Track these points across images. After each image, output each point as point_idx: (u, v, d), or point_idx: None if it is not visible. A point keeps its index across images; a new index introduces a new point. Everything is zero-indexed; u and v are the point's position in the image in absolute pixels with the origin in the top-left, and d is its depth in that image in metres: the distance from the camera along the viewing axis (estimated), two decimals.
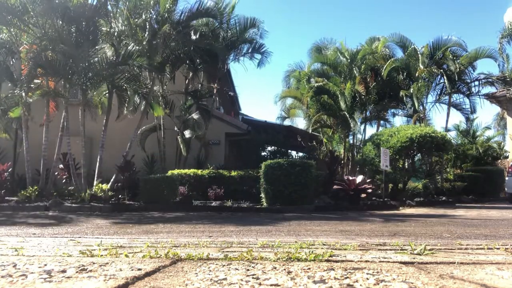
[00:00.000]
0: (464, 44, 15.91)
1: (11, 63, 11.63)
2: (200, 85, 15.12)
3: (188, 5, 14.54)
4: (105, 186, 10.30)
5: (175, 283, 1.45)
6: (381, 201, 11.22)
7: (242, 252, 2.33)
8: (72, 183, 10.92)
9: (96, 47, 10.64)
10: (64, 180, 11.63)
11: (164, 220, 7.26)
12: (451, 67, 15.11)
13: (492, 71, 17.51)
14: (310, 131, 16.26)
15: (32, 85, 11.22)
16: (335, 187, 11.12)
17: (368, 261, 2.00)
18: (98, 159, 11.06)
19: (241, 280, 1.50)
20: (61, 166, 11.68)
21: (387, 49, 17.06)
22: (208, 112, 13.93)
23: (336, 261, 1.97)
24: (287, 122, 19.39)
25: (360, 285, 1.42)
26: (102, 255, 2.21)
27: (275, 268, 1.75)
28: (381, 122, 17.98)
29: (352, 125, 14.57)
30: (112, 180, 11.03)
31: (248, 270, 1.71)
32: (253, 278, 1.54)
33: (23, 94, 10.70)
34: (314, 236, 4.44)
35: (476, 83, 16.24)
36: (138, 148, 13.29)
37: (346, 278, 1.53)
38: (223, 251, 2.54)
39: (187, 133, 13.52)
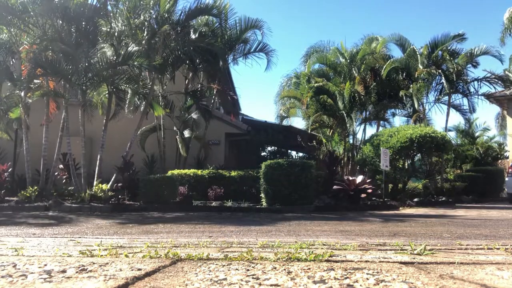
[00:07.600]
0: (464, 36, 15.85)
1: (11, 63, 11.62)
2: (200, 85, 15.11)
3: (188, 3, 14.52)
4: (105, 186, 10.30)
5: (175, 283, 1.45)
6: (381, 201, 11.22)
7: (242, 252, 2.33)
8: (72, 183, 10.92)
9: (96, 47, 10.64)
10: (64, 180, 11.63)
11: (164, 220, 7.26)
12: (450, 68, 15.12)
13: (493, 69, 17.53)
14: (309, 131, 16.27)
15: (32, 85, 11.22)
16: (335, 187, 11.11)
17: (368, 261, 1.99)
18: (98, 159, 11.06)
19: (241, 280, 1.50)
20: (61, 166, 11.68)
21: (386, 49, 17.04)
22: (208, 112, 13.92)
23: (336, 261, 1.96)
24: (286, 122, 19.38)
25: (360, 285, 1.42)
26: (102, 255, 2.21)
27: (275, 268, 1.75)
28: (381, 122, 17.97)
29: (348, 125, 14.58)
30: (112, 180, 11.03)
31: (248, 270, 1.71)
32: (253, 278, 1.54)
33: (23, 94, 10.71)
34: (314, 236, 4.43)
35: (476, 83, 16.25)
36: (138, 148, 13.28)
37: (346, 278, 1.53)
38: (223, 251, 2.54)
39: (186, 133, 13.51)
